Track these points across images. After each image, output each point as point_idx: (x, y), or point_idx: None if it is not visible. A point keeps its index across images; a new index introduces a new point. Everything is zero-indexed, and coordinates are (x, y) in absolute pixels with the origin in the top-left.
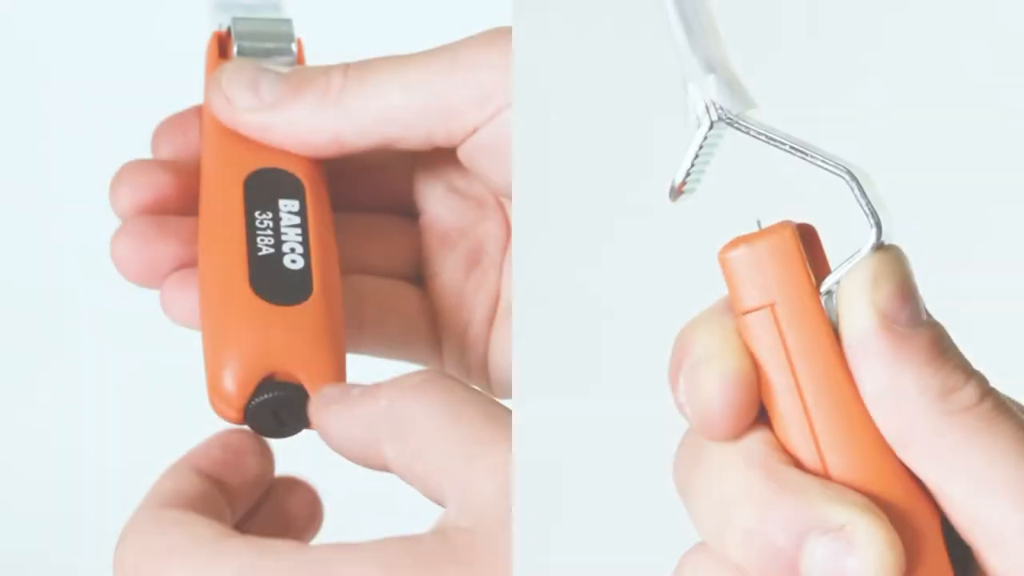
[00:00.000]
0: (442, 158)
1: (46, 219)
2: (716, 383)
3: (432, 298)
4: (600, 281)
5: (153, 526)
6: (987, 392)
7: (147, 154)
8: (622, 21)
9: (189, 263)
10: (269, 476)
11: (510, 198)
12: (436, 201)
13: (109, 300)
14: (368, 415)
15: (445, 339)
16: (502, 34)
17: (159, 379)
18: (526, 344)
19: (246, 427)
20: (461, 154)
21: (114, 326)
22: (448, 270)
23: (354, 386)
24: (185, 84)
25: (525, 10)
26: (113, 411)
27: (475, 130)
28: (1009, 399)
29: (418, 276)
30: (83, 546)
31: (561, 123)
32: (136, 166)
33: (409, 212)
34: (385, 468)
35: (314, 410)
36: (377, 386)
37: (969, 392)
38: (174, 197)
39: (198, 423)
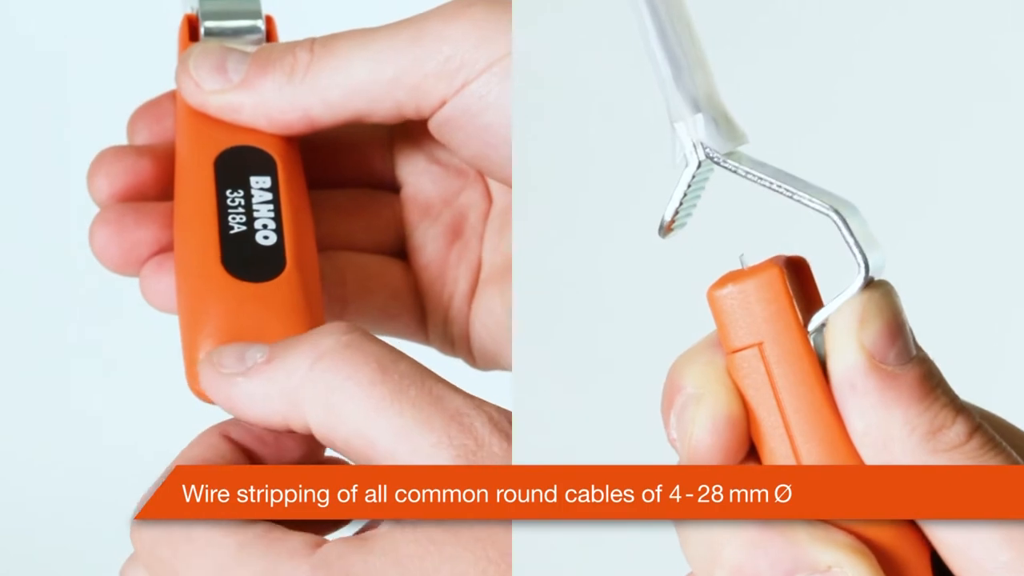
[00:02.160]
0: (421, 130)
1: (25, 210)
2: (706, 423)
3: (416, 271)
4: (597, 281)
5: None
6: (975, 429)
7: (123, 141)
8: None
9: (168, 247)
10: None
11: (482, 171)
12: (417, 173)
13: (94, 292)
14: (285, 382)
15: (429, 312)
16: (472, 4)
17: (148, 366)
18: (525, 354)
19: None
20: (431, 127)
21: (102, 317)
22: (431, 242)
23: (246, 349)
24: (159, 69)
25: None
26: (107, 405)
27: (443, 103)
28: (996, 421)
29: (402, 250)
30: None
31: (560, 123)
32: (112, 153)
33: (391, 187)
34: (304, 431)
35: (212, 384)
36: (287, 350)
37: (957, 430)
38: (151, 183)
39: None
